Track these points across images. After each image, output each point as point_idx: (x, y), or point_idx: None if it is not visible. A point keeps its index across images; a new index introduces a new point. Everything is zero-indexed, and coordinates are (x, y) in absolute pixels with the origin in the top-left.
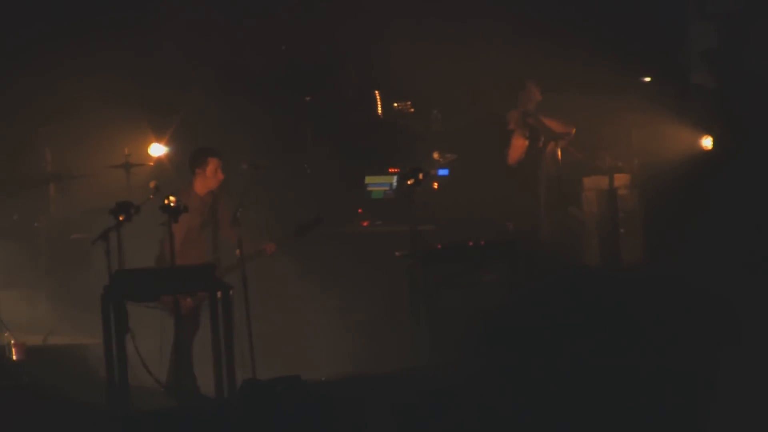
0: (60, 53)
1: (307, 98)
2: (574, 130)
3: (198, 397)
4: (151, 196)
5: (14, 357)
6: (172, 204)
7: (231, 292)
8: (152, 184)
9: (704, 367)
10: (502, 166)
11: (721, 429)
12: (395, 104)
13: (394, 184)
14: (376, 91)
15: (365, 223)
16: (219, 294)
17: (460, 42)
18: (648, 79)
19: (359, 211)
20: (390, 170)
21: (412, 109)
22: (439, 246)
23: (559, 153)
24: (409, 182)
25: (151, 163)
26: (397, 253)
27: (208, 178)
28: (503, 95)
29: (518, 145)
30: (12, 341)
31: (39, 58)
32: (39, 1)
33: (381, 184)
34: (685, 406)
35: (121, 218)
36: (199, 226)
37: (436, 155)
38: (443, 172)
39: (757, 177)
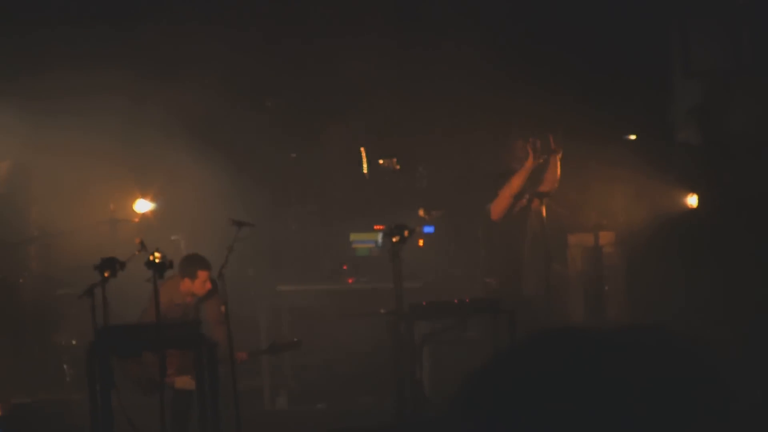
0: (38, 109)
1: (293, 155)
2: (560, 155)
3: None
4: (137, 252)
5: None
6: (157, 260)
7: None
8: (137, 240)
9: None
10: (486, 222)
11: None
12: (381, 161)
13: (380, 241)
14: (362, 148)
15: (350, 280)
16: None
17: (447, 99)
18: (633, 136)
19: (344, 267)
20: (375, 227)
21: (398, 166)
22: (425, 303)
23: (544, 210)
24: (394, 239)
25: (137, 219)
26: (382, 310)
27: (195, 288)
28: (490, 151)
29: (504, 200)
30: None
31: (23, 111)
32: (27, 55)
33: (366, 241)
34: None
35: (106, 274)
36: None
37: (421, 212)
38: (429, 229)
39: (742, 235)
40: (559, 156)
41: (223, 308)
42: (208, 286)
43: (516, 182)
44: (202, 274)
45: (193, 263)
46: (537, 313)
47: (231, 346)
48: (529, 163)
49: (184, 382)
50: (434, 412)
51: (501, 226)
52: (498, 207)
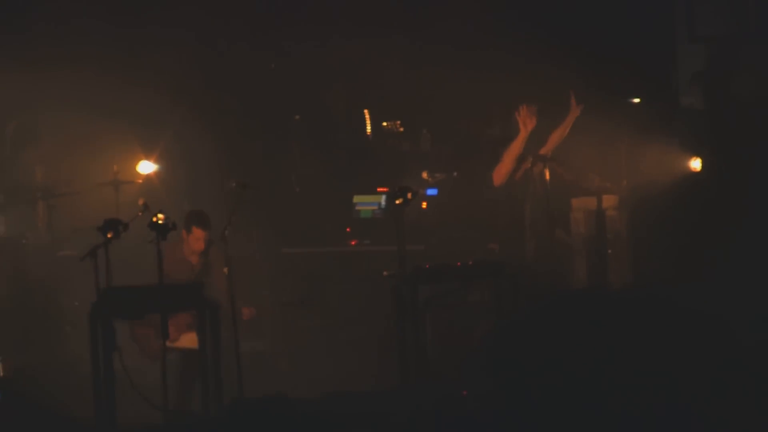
0: (49, 70)
1: (297, 117)
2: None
3: (185, 416)
4: (140, 214)
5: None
6: (160, 221)
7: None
8: (141, 202)
9: (699, 387)
10: (488, 187)
11: None
12: (384, 123)
13: (383, 203)
14: (366, 110)
15: (353, 243)
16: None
17: (450, 62)
18: (637, 100)
19: (347, 230)
20: (378, 189)
21: (402, 129)
22: (428, 266)
23: (547, 174)
24: (397, 202)
25: (140, 181)
26: (384, 273)
27: (189, 244)
28: (493, 116)
29: (506, 165)
30: None
31: (29, 74)
32: (32, 16)
33: (369, 203)
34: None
35: (109, 235)
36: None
37: (425, 175)
38: (432, 191)
39: (746, 199)
40: (576, 115)
41: (226, 270)
42: (201, 246)
43: (516, 146)
44: (197, 232)
45: (190, 218)
46: (540, 277)
47: (233, 307)
48: (523, 133)
49: (190, 339)
50: (437, 376)
51: (503, 190)
52: (500, 172)
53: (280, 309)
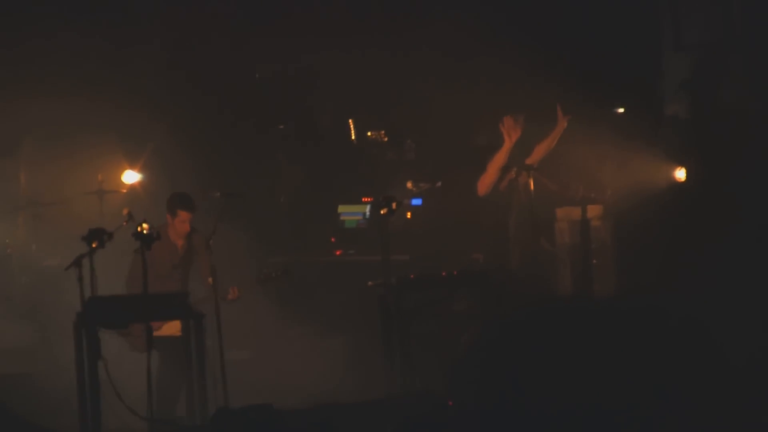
0: (30, 80)
1: (281, 126)
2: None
3: (171, 425)
4: (125, 223)
5: None
6: (144, 231)
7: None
8: (125, 211)
9: (683, 395)
10: (471, 197)
11: None
12: (369, 133)
13: (367, 213)
14: (350, 120)
15: (338, 252)
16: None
17: (435, 72)
18: (621, 109)
19: (332, 240)
20: (363, 199)
21: (386, 138)
22: (412, 276)
23: (532, 184)
24: (382, 211)
25: (124, 190)
26: (369, 283)
27: (173, 227)
28: (479, 126)
29: (490, 175)
30: None
31: (14, 82)
32: (17, 24)
33: (354, 213)
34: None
35: (93, 245)
36: (170, 268)
37: (409, 184)
38: (417, 201)
39: (730, 208)
40: (563, 127)
41: (210, 280)
42: (186, 228)
43: (500, 157)
44: (183, 214)
45: (173, 201)
46: (525, 287)
47: (218, 315)
48: (507, 144)
49: (173, 327)
50: (422, 385)
51: (488, 200)
52: (485, 182)
53: (264, 287)
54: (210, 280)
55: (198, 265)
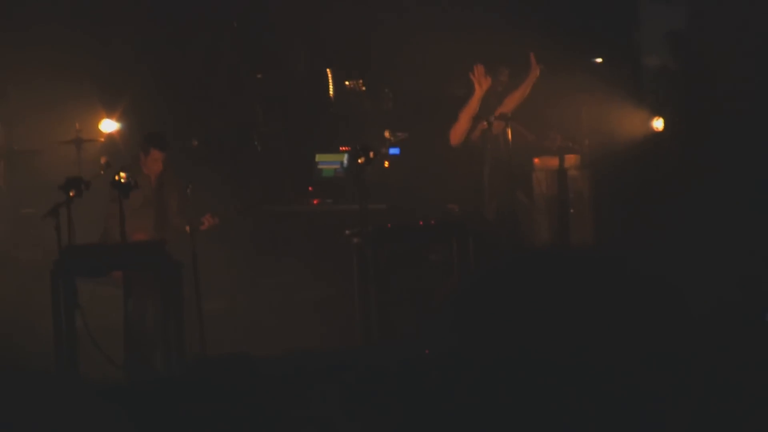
0: (11, 29)
1: (258, 75)
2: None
3: (148, 374)
4: (102, 172)
5: None
6: (122, 180)
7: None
8: (103, 160)
9: (649, 347)
10: (445, 147)
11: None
12: (347, 82)
13: (345, 162)
14: (328, 69)
15: (315, 202)
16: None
17: (413, 21)
18: (599, 60)
19: (309, 189)
20: (341, 149)
21: (364, 88)
22: (389, 225)
23: (509, 134)
24: (359, 161)
25: (102, 139)
26: (347, 232)
27: (146, 165)
28: (457, 76)
29: (462, 125)
30: None
31: None
32: None
33: (331, 162)
34: (637, 387)
35: (71, 194)
36: (141, 200)
37: (387, 134)
38: (394, 151)
39: (708, 158)
40: (536, 76)
41: (188, 228)
42: (159, 167)
43: (471, 106)
44: (155, 153)
45: (148, 140)
46: (501, 237)
47: (195, 264)
48: (477, 93)
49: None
50: (399, 336)
51: (461, 151)
52: (456, 131)
53: (240, 219)
54: (187, 228)
55: (171, 202)
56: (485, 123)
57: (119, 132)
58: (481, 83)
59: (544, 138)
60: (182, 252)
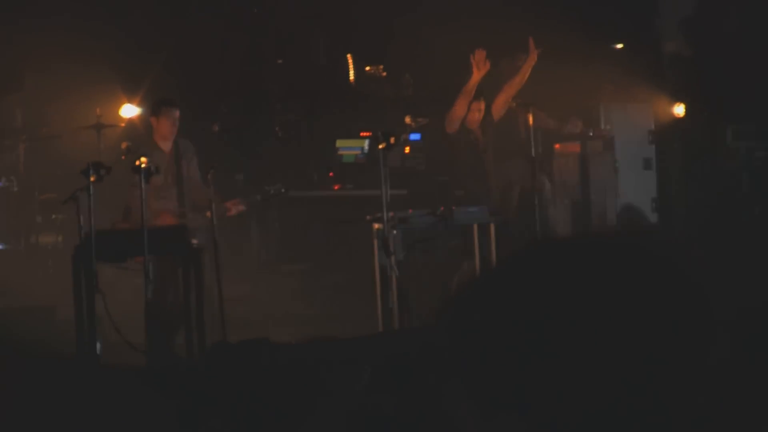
0: (31, 14)
1: (279, 61)
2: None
3: (169, 359)
4: (123, 157)
5: None
6: (143, 165)
7: (202, 255)
8: (124, 145)
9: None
10: (443, 135)
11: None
12: (367, 68)
13: (366, 148)
14: (349, 55)
15: (336, 187)
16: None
17: (434, 7)
18: (620, 46)
19: (330, 174)
20: (361, 134)
21: (385, 73)
22: (410, 210)
23: (531, 119)
24: (380, 146)
25: (123, 124)
26: (367, 217)
27: (159, 130)
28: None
29: (456, 111)
30: None
31: (10, 18)
32: None
33: (352, 147)
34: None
35: (92, 179)
36: (161, 183)
37: (408, 119)
38: (415, 136)
39: (728, 145)
40: (534, 61)
41: (209, 214)
42: (174, 127)
43: (467, 91)
44: (167, 111)
45: (158, 102)
46: (522, 225)
47: (217, 254)
48: (475, 76)
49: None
50: (419, 322)
51: (458, 138)
52: (452, 117)
53: (262, 205)
54: (208, 213)
55: (188, 170)
56: (480, 110)
57: (140, 117)
58: (479, 67)
59: (565, 124)
60: (203, 236)
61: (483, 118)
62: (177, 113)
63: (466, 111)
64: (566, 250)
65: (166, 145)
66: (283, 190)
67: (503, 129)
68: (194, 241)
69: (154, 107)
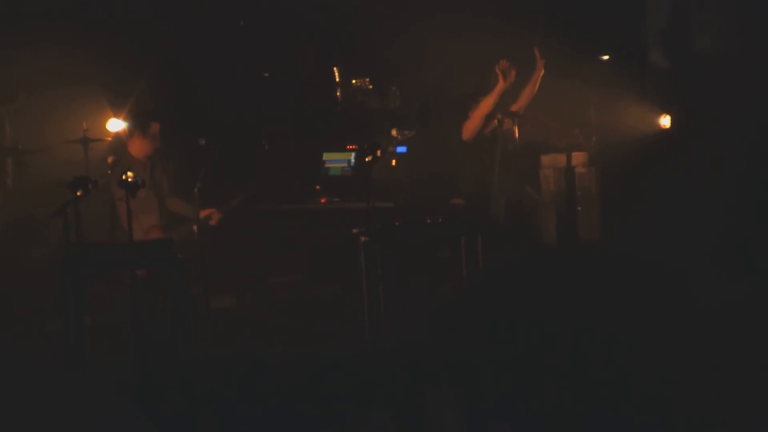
0: (16, 30)
1: (266, 74)
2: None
3: (155, 371)
4: (109, 171)
5: None
6: (129, 179)
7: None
8: (110, 159)
9: (660, 341)
10: (454, 144)
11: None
12: (354, 81)
13: (352, 161)
14: (335, 68)
15: (323, 200)
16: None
17: (420, 20)
18: (606, 57)
19: (317, 187)
20: (348, 147)
21: (371, 86)
22: (397, 223)
23: (516, 131)
24: (367, 159)
25: (109, 138)
26: (354, 230)
27: (145, 143)
28: (465, 73)
29: (476, 120)
30: None
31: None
32: None
33: (339, 160)
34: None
35: (79, 193)
36: (143, 195)
37: (394, 132)
38: (401, 149)
39: (714, 156)
40: (542, 71)
41: (195, 228)
42: (158, 142)
43: (487, 103)
44: (155, 126)
45: (143, 117)
46: (509, 235)
47: (204, 263)
48: (500, 85)
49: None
50: (408, 333)
51: (471, 147)
52: (469, 127)
53: (247, 217)
54: (195, 228)
55: (162, 183)
56: (495, 121)
57: (126, 131)
58: (505, 77)
59: (567, 128)
60: (190, 250)
61: (494, 127)
62: (158, 128)
63: (482, 122)
64: (551, 260)
65: (144, 158)
66: (253, 192)
67: (492, 141)
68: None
69: (141, 122)
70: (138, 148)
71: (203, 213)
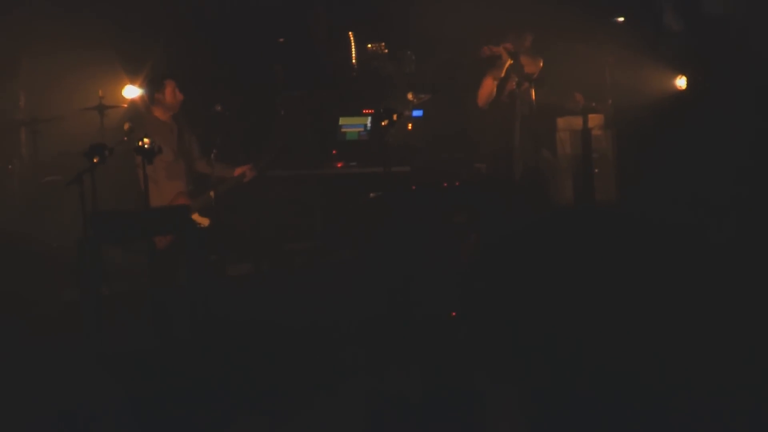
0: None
1: (281, 40)
2: (541, 63)
3: (173, 339)
4: (125, 138)
5: None
6: (146, 146)
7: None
8: (126, 126)
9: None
10: (473, 108)
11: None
12: (369, 45)
13: (368, 125)
14: (350, 33)
15: (339, 165)
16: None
17: None
18: (621, 19)
19: (333, 152)
20: (364, 111)
21: (386, 51)
22: (414, 187)
23: (533, 94)
24: (383, 123)
25: (125, 105)
26: (371, 195)
27: (167, 102)
28: (477, 37)
29: (488, 87)
30: None
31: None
32: None
33: (355, 125)
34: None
35: (95, 160)
36: (173, 159)
37: (410, 96)
38: (417, 113)
39: (729, 117)
40: (509, 61)
41: (212, 193)
42: (180, 96)
43: (497, 72)
44: (170, 83)
45: (156, 77)
46: (526, 197)
47: (221, 234)
48: (507, 63)
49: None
50: (425, 298)
51: (490, 112)
52: (482, 93)
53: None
54: (212, 193)
55: (189, 145)
56: (513, 83)
57: (142, 98)
58: (512, 57)
59: (565, 99)
60: (207, 216)
61: (510, 92)
62: (175, 84)
63: (494, 89)
64: (565, 221)
65: (168, 117)
66: (281, 147)
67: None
68: (201, 220)
69: (155, 83)
70: (161, 109)
71: (238, 171)
